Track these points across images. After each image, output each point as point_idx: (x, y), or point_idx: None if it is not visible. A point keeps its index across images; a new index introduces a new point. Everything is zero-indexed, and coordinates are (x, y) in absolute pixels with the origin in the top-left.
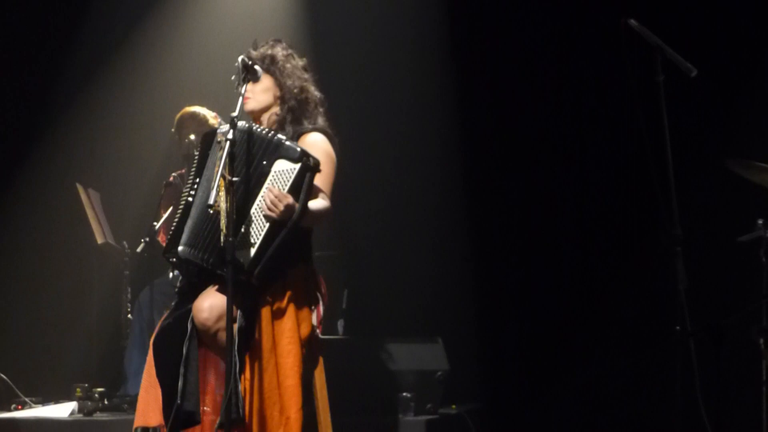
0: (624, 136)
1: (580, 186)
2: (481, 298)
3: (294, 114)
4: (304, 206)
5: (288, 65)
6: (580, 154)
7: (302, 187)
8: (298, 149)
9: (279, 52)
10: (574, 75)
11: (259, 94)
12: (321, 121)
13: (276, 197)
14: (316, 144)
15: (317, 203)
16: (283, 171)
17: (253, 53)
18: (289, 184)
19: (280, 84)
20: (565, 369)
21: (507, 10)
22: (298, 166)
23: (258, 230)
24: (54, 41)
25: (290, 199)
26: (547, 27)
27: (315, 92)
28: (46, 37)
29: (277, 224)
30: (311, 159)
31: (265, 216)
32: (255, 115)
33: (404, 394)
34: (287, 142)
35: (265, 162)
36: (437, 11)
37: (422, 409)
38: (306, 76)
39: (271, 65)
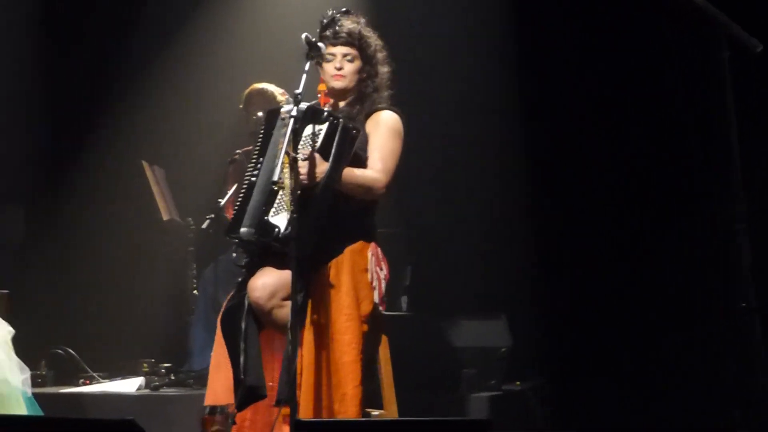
0: (684, 111)
1: (640, 161)
2: (545, 274)
3: (370, 93)
4: (335, 167)
5: (376, 45)
6: (639, 127)
7: (331, 147)
8: (325, 111)
9: (370, 34)
10: (631, 53)
11: (351, 74)
12: (387, 98)
13: (302, 160)
14: (386, 120)
15: (365, 172)
16: (310, 134)
17: (346, 26)
18: (317, 144)
19: (367, 69)
20: (627, 345)
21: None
22: (324, 126)
23: (289, 196)
24: (119, 18)
25: (315, 158)
26: (608, 16)
27: (386, 72)
28: (111, 14)
29: (309, 189)
30: (339, 120)
31: (297, 182)
32: (336, 93)
33: (468, 370)
34: (315, 106)
35: (306, 129)
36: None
37: (486, 385)
38: (386, 57)
39: (363, 47)
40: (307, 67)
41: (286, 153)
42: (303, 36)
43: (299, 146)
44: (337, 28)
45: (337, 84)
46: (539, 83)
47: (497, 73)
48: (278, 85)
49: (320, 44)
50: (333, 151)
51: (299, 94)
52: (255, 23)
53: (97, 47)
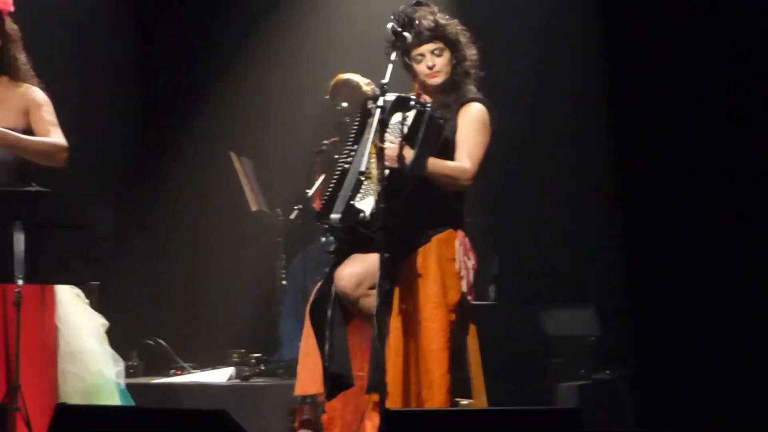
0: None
1: (736, 147)
2: (634, 262)
3: (461, 79)
4: (421, 153)
5: (458, 30)
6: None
7: (417, 134)
8: (412, 99)
9: (446, 18)
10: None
11: (444, 67)
12: (474, 89)
13: (388, 146)
14: (474, 112)
15: (453, 162)
16: (398, 122)
17: (424, 23)
18: (404, 132)
19: (456, 54)
20: (718, 334)
21: None
22: (411, 113)
23: (376, 185)
24: (207, 8)
25: (401, 145)
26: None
27: (473, 53)
28: (198, 5)
29: (396, 175)
30: (426, 107)
31: (383, 168)
32: (434, 89)
33: (556, 359)
34: (402, 95)
35: (393, 118)
36: None
37: (575, 374)
38: (467, 36)
39: (447, 34)
40: (393, 57)
41: (373, 143)
42: (389, 26)
43: (387, 133)
44: (416, 28)
45: (434, 81)
46: (628, 68)
47: (584, 61)
48: (364, 75)
49: (406, 33)
50: (419, 138)
51: (385, 84)
52: (341, 13)
53: (185, 39)
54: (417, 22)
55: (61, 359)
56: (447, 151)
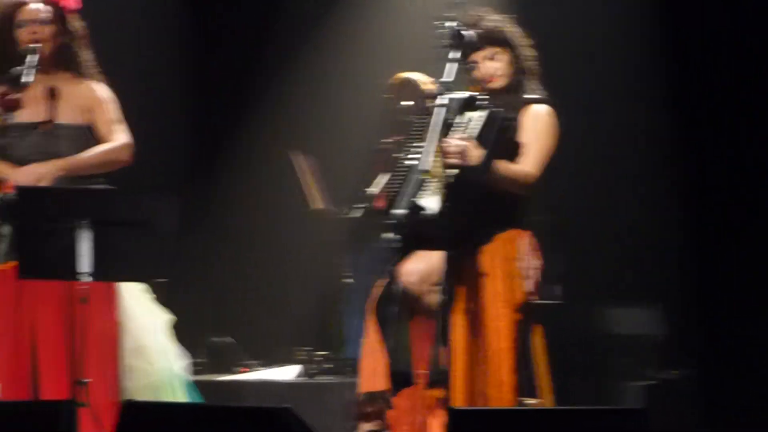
0: None
1: None
2: (702, 262)
3: (522, 79)
4: (489, 155)
5: (513, 30)
6: None
7: (489, 133)
8: (484, 99)
9: (499, 20)
10: None
11: (504, 69)
12: (538, 89)
13: (453, 142)
14: (540, 114)
15: (517, 166)
16: (468, 120)
17: (485, 24)
18: (474, 132)
19: (516, 57)
20: None
21: None
22: (482, 113)
23: (438, 183)
24: (267, 6)
25: (470, 144)
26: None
27: (532, 56)
28: (256, 3)
29: (464, 174)
30: (499, 110)
31: (447, 166)
32: (495, 92)
33: (623, 358)
34: (475, 94)
35: (458, 117)
36: None
37: (641, 374)
38: (523, 35)
39: (499, 37)
40: (454, 55)
41: (434, 141)
42: (450, 25)
43: (454, 131)
44: (469, 37)
45: (496, 85)
46: (690, 70)
47: (647, 62)
48: (424, 73)
49: (468, 32)
50: (488, 139)
51: (448, 82)
52: (401, 11)
53: (245, 36)
54: (475, 25)
55: (127, 355)
56: (510, 151)
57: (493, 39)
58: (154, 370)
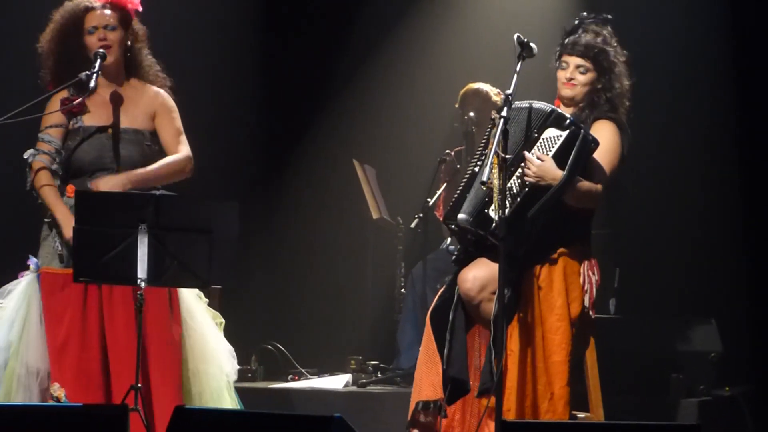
0: None
1: None
2: (756, 278)
3: (601, 103)
4: (570, 174)
5: (618, 67)
6: None
7: (569, 154)
8: (569, 118)
9: (610, 46)
10: None
11: (580, 86)
12: (621, 110)
13: (534, 158)
14: (603, 129)
15: (588, 183)
16: (550, 138)
17: (584, 38)
18: (554, 150)
19: (602, 80)
20: None
21: None
22: (565, 132)
23: (515, 194)
24: (335, 19)
25: (549, 162)
26: None
27: (626, 84)
28: (326, 16)
29: (536, 189)
30: (582, 129)
31: (525, 180)
32: (565, 100)
33: (676, 374)
34: (559, 111)
35: (536, 132)
36: None
37: (695, 390)
38: (626, 71)
39: (598, 60)
40: (518, 67)
41: (496, 153)
42: (515, 36)
43: (538, 148)
44: (576, 38)
45: (566, 92)
46: (755, 86)
47: (710, 76)
48: (494, 84)
49: (532, 44)
50: (570, 160)
51: (510, 95)
52: (469, 23)
53: (312, 48)
54: (580, 34)
55: (194, 359)
56: (584, 170)
57: (589, 55)
58: (221, 373)
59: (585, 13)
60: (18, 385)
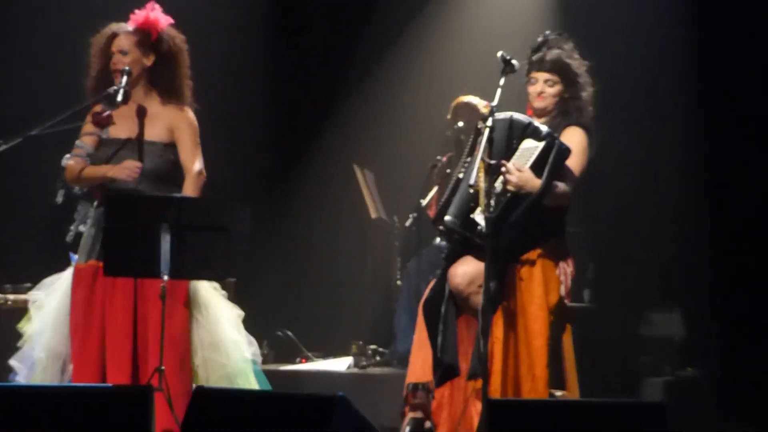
0: None
1: None
2: (717, 270)
3: (571, 111)
4: (548, 182)
5: (581, 77)
6: None
7: (545, 163)
8: (546, 130)
9: (573, 59)
10: None
11: (549, 97)
12: (588, 115)
13: (514, 169)
14: (573, 135)
15: (562, 185)
16: (528, 148)
17: (550, 55)
18: (532, 160)
19: (569, 93)
20: None
21: None
22: (541, 144)
23: (498, 201)
24: (341, 33)
25: (527, 173)
26: None
27: (590, 92)
28: (333, 29)
29: (518, 196)
30: (557, 140)
31: (507, 188)
32: (537, 111)
33: (644, 357)
34: (535, 123)
35: (516, 141)
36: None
37: (661, 371)
38: (588, 80)
39: (564, 73)
40: (502, 82)
41: (482, 159)
42: (498, 54)
43: (517, 158)
44: (542, 55)
45: (538, 104)
46: (720, 83)
47: (678, 76)
48: (482, 97)
49: (514, 61)
50: (547, 169)
51: (494, 106)
52: (460, 43)
53: (320, 60)
54: (545, 51)
55: (204, 349)
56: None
57: (555, 69)
58: (230, 362)
59: (548, 32)
60: (42, 370)
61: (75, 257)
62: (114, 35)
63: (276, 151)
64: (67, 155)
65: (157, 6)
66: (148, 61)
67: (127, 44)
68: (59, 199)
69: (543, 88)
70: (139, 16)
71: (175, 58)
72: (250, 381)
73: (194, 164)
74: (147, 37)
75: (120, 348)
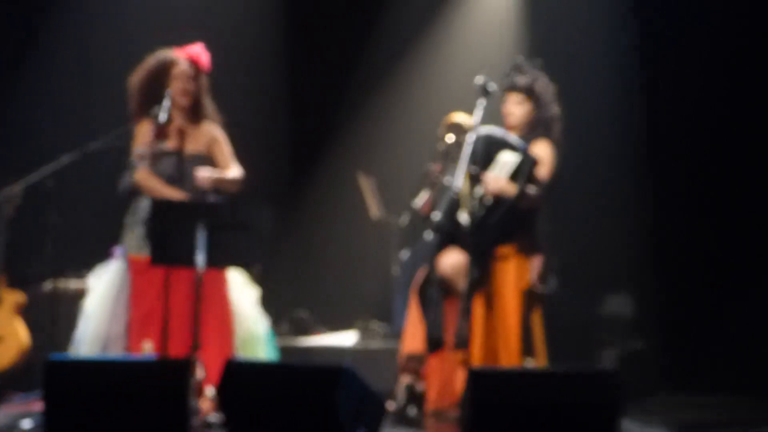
0: None
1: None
2: (662, 256)
3: (539, 126)
4: (522, 189)
5: (547, 97)
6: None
7: (519, 173)
8: (519, 143)
9: (541, 84)
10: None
11: (520, 115)
12: (555, 129)
13: (490, 178)
14: (540, 147)
15: (533, 190)
16: (506, 160)
17: (520, 80)
18: (507, 170)
19: (537, 110)
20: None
21: None
22: (516, 155)
23: (481, 205)
24: (350, 46)
25: (504, 182)
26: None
27: (556, 111)
28: (344, 42)
29: (498, 202)
30: (530, 154)
31: (486, 194)
32: (509, 126)
33: (602, 333)
34: (512, 140)
35: (494, 153)
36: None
37: (614, 344)
38: (554, 99)
39: (533, 95)
40: (480, 103)
41: (466, 169)
42: (476, 79)
43: (494, 167)
44: (513, 79)
45: (509, 121)
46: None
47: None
48: (470, 113)
49: (490, 85)
50: (521, 177)
51: (476, 124)
52: (452, 65)
53: (332, 71)
54: (516, 76)
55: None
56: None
57: (523, 89)
58: (239, 331)
59: (521, 56)
60: (87, 348)
61: (122, 248)
62: (174, 61)
63: (293, 159)
64: (133, 159)
65: (204, 48)
66: (198, 89)
67: (192, 72)
68: (123, 190)
69: (513, 108)
70: (194, 52)
71: (208, 87)
72: (257, 351)
73: (235, 169)
74: (200, 72)
75: (180, 325)
